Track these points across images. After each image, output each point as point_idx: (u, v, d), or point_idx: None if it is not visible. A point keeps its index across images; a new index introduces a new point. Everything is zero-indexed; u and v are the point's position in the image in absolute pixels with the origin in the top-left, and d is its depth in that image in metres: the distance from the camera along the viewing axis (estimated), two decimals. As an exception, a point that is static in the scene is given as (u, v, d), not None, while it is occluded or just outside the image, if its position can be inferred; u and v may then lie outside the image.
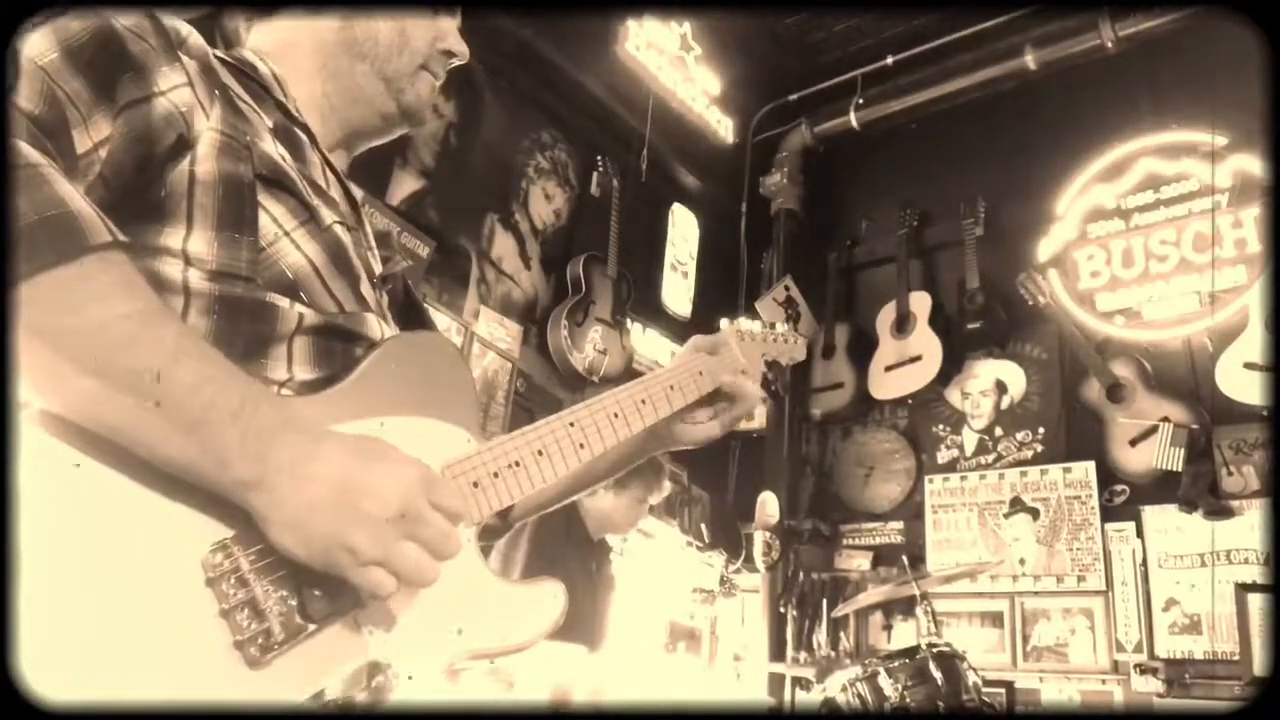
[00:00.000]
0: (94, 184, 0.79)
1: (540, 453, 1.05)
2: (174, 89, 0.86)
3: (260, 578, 0.78)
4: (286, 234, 0.92)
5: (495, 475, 0.99)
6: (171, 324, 0.78)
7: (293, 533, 0.78)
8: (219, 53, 1.00)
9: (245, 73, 1.01)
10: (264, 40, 1.08)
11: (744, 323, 1.43)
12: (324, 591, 0.81)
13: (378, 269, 1.10)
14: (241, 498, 0.77)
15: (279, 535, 0.78)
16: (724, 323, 1.42)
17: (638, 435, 1.21)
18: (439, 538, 0.84)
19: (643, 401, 1.20)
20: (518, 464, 1.02)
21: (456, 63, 1.17)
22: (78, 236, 0.71)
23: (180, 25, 0.92)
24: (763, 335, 1.46)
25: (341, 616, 0.83)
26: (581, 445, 1.10)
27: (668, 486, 3.30)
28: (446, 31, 1.15)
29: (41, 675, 0.65)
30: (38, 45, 0.77)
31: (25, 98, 0.75)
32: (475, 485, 0.97)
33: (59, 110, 0.76)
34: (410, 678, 0.86)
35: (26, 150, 0.72)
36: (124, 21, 0.84)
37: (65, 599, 0.69)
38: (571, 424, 1.10)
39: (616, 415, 1.16)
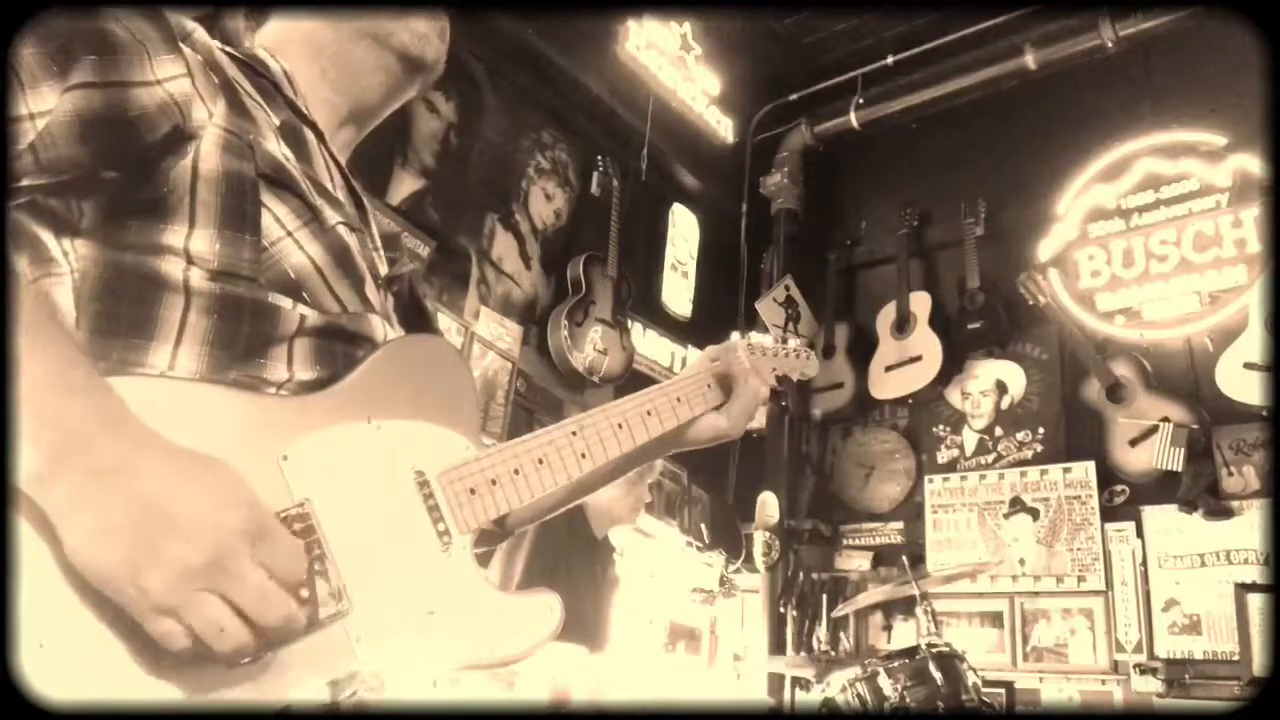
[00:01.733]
0: (23, 153, 0.76)
1: (541, 461, 1.04)
2: (171, 79, 0.84)
3: None
4: (289, 234, 0.91)
5: (494, 482, 0.98)
6: None
7: (83, 552, 0.67)
8: (230, 49, 0.99)
9: (255, 70, 1.00)
10: (269, 37, 1.07)
11: (755, 336, 1.42)
12: (311, 594, 0.79)
13: (384, 270, 1.09)
14: (34, 491, 0.66)
15: (72, 551, 0.67)
16: (735, 335, 1.41)
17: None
18: (253, 600, 0.71)
19: (648, 413, 1.19)
20: (517, 472, 1.01)
21: None
22: None
23: (186, 21, 0.91)
24: (774, 350, 1.44)
25: (329, 622, 0.81)
26: (584, 455, 1.09)
27: (659, 463, 3.29)
28: None
29: (40, 675, 0.65)
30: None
31: None
32: (472, 492, 0.96)
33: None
34: (371, 688, 0.83)
35: None
36: (119, 14, 0.82)
37: (53, 601, 0.68)
38: (574, 433, 1.09)
39: (620, 426, 1.15)
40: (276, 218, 0.90)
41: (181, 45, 0.88)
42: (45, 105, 0.76)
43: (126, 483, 0.68)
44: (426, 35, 1.09)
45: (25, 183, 0.77)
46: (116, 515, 0.67)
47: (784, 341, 1.48)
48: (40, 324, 0.71)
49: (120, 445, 0.69)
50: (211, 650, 0.70)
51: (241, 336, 0.85)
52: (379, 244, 1.12)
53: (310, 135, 1.03)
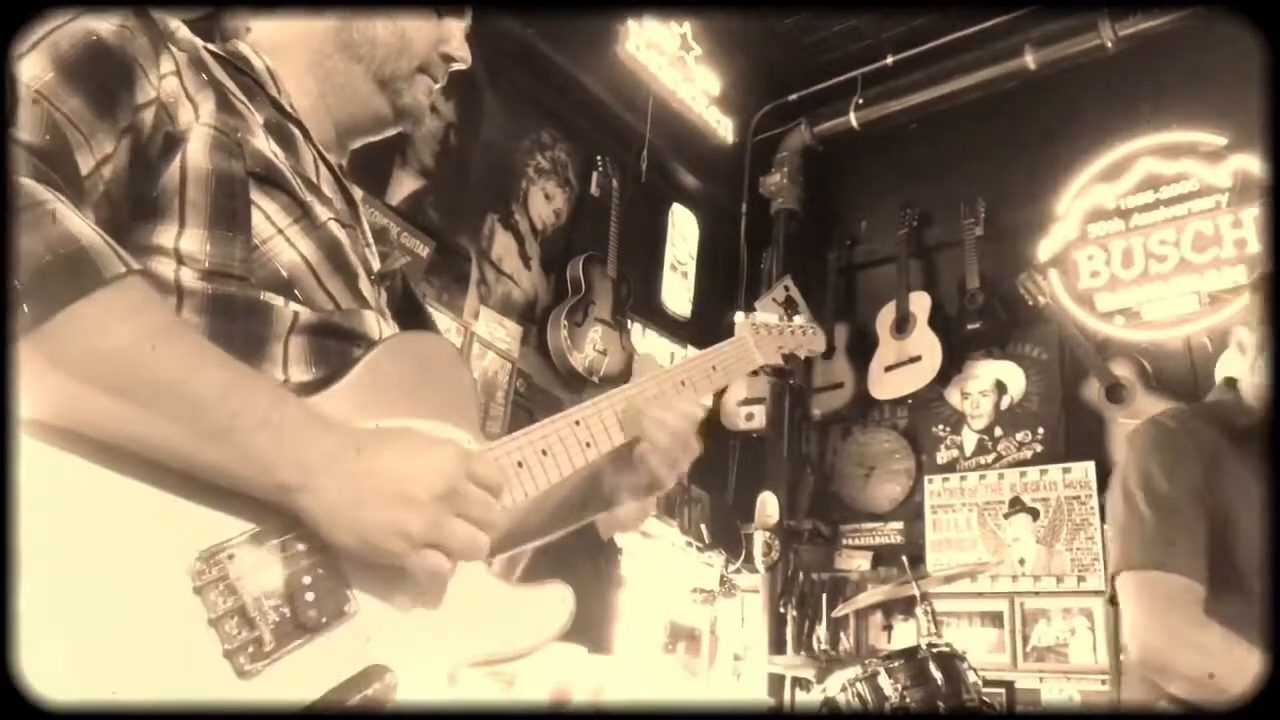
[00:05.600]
0: (99, 202, 0.79)
1: (545, 452, 1.02)
2: (161, 81, 0.85)
3: (249, 585, 0.75)
4: (280, 231, 0.90)
5: None
6: (189, 336, 0.79)
7: (347, 530, 0.80)
8: (212, 47, 0.99)
9: (238, 67, 1.00)
10: (259, 35, 1.06)
11: (759, 315, 1.41)
12: (317, 597, 0.79)
13: (376, 266, 1.09)
14: (288, 501, 0.78)
15: (333, 534, 0.80)
16: (739, 315, 1.40)
17: (583, 493, 1.20)
18: (483, 510, 0.86)
19: (654, 396, 1.17)
20: (521, 464, 0.99)
21: (458, 67, 1.15)
22: (92, 271, 0.71)
23: (170, 20, 0.91)
24: (779, 328, 1.43)
25: (336, 624, 0.80)
26: (588, 444, 1.07)
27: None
28: (450, 35, 1.13)
29: (42, 675, 0.64)
30: (32, 68, 0.75)
31: (26, 129, 0.73)
32: None
33: (60, 136, 0.75)
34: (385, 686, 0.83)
35: (32, 187, 0.71)
36: (110, 22, 0.82)
37: (59, 613, 0.68)
38: (577, 422, 1.07)
39: (625, 412, 1.13)
40: (267, 215, 0.90)
41: (168, 46, 0.88)
42: (106, 150, 0.80)
43: (358, 462, 0.81)
44: (426, 103, 1.13)
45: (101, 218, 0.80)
46: (364, 487, 0.80)
47: (790, 319, 1.47)
48: (236, 362, 0.80)
49: (335, 437, 0.81)
50: (470, 558, 0.85)
51: (235, 336, 0.85)
52: (370, 240, 1.11)
53: (296, 132, 1.02)
